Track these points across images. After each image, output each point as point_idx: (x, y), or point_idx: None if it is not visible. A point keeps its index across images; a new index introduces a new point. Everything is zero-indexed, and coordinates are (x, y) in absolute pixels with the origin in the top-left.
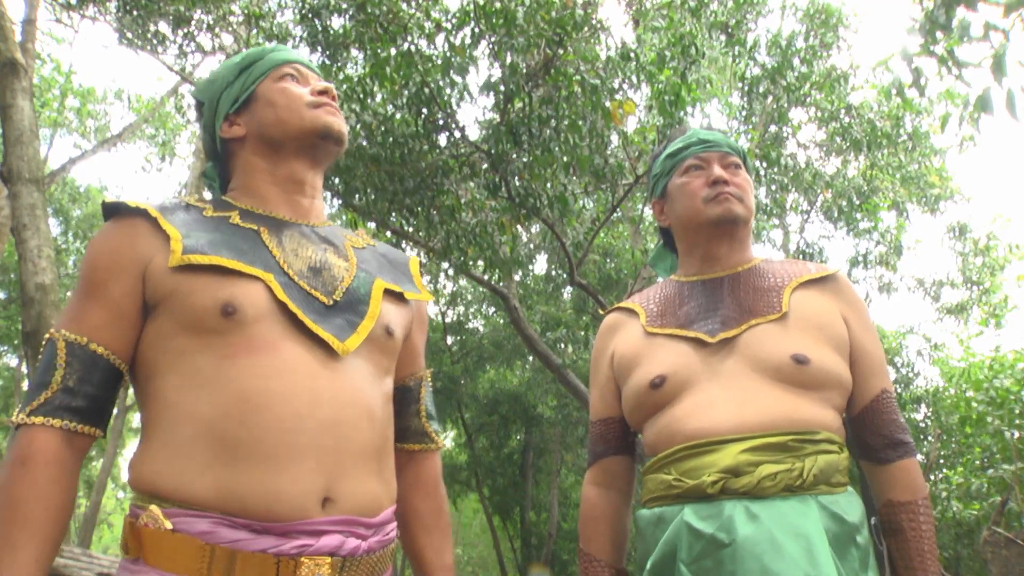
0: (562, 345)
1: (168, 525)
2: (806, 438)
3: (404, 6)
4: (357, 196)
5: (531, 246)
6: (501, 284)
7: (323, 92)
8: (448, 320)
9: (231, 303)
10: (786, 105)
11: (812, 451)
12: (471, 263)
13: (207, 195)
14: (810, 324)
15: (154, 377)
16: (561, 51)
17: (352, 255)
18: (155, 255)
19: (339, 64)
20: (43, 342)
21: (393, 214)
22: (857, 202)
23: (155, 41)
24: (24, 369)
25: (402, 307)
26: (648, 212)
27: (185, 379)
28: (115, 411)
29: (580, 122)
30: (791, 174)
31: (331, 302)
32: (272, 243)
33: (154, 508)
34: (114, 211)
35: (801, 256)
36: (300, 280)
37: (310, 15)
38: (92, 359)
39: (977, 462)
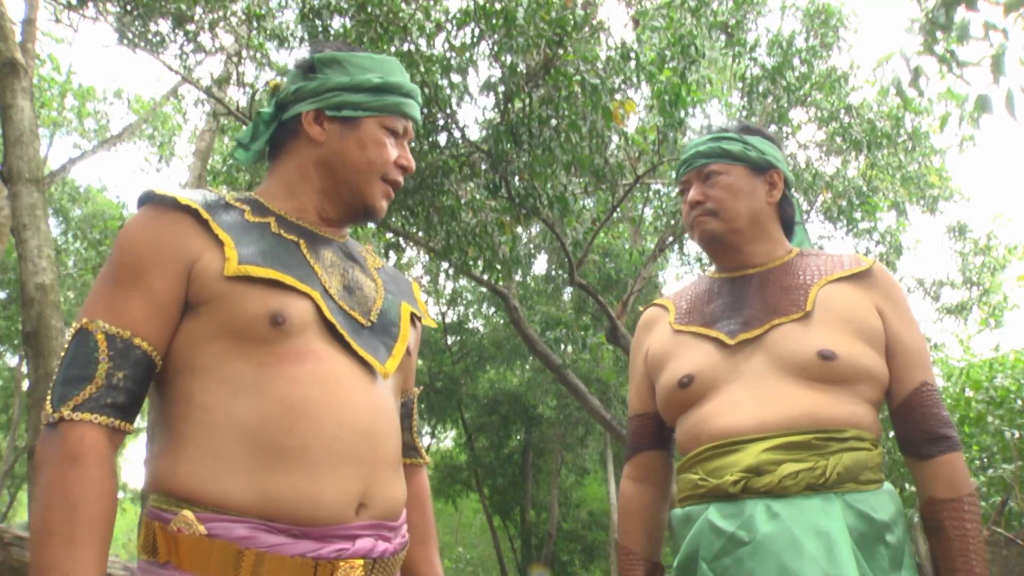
0: (562, 345)
1: (202, 530)
2: (832, 436)
3: (404, 6)
4: None
5: (531, 246)
6: (501, 284)
7: (403, 168)
8: (448, 320)
9: (281, 313)
10: (786, 105)
11: (837, 449)
12: (471, 263)
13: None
14: (838, 318)
15: (184, 377)
16: (561, 51)
17: (376, 276)
18: (202, 254)
19: None
20: (74, 330)
21: (393, 214)
22: (857, 202)
23: (155, 41)
24: (24, 369)
25: (415, 329)
26: (648, 212)
27: (223, 383)
28: None
29: (580, 122)
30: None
31: (368, 323)
32: (312, 258)
33: (187, 513)
34: (159, 202)
35: None
36: (340, 300)
37: (311, 15)
38: (135, 354)
39: (977, 462)
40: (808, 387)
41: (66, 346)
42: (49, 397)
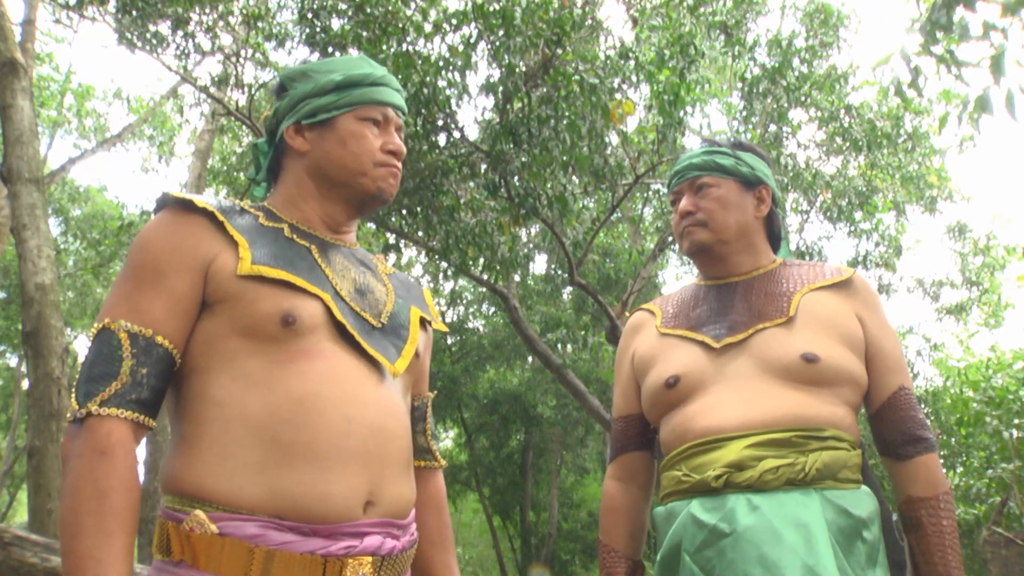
0: (562, 345)
1: (214, 529)
2: (811, 435)
3: (402, 7)
4: None
5: (531, 246)
6: (501, 284)
7: (393, 153)
8: (448, 320)
9: (292, 313)
10: (786, 105)
11: (816, 447)
12: (471, 263)
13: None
14: (820, 324)
15: (198, 374)
16: (560, 51)
17: (387, 280)
18: (218, 254)
19: None
20: (95, 331)
21: (392, 214)
22: (857, 202)
23: (154, 41)
24: (24, 369)
25: (425, 333)
26: (648, 212)
27: (235, 380)
28: None
29: (579, 122)
30: (791, 174)
31: (379, 324)
32: (323, 262)
33: (199, 513)
34: (176, 205)
35: (801, 257)
36: (350, 301)
37: (309, 15)
38: (157, 352)
39: (976, 463)
40: (791, 388)
41: (88, 347)
42: (74, 395)
